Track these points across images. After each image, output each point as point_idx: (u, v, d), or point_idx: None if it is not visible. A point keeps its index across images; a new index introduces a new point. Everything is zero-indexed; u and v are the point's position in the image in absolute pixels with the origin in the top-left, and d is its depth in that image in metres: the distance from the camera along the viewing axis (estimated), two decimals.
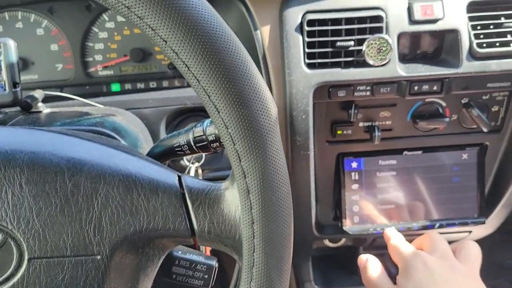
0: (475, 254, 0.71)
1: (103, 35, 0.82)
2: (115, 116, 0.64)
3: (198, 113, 0.78)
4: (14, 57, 0.58)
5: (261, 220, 0.38)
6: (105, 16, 0.82)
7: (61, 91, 0.82)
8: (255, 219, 0.38)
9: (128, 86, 0.83)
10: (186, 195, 0.41)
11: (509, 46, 0.71)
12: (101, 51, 0.83)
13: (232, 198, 0.41)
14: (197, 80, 0.34)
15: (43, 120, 0.59)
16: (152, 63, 0.84)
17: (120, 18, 0.82)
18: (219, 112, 0.35)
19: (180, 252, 0.51)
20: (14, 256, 0.38)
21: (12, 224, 0.38)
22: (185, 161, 0.77)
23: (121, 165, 0.41)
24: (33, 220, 0.38)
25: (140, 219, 0.40)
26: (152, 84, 0.83)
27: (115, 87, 0.83)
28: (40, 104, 0.63)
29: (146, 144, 0.68)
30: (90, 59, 0.83)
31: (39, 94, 0.62)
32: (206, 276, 0.50)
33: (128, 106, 0.74)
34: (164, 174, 0.42)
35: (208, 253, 0.71)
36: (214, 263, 0.51)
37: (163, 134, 0.77)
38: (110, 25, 0.82)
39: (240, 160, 0.37)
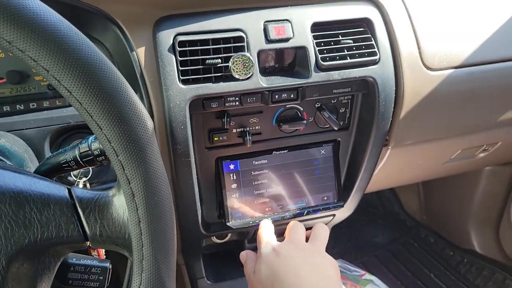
0: (320, 233, 0.86)
1: None
2: None
3: (81, 130, 0.81)
4: None
5: (146, 218, 0.45)
6: None
7: None
8: (141, 218, 0.45)
9: (6, 108, 0.83)
10: (77, 204, 0.47)
11: (346, 59, 0.86)
12: None
13: (120, 203, 0.47)
14: (79, 103, 0.40)
15: None
16: (30, 84, 0.84)
17: None
18: (101, 129, 0.42)
19: (74, 259, 0.55)
20: None
21: None
22: (72, 177, 0.80)
23: (10, 183, 0.45)
24: None
25: (34, 231, 0.45)
26: (32, 105, 0.84)
27: None
28: None
29: (32, 164, 0.70)
30: None
31: None
32: (102, 278, 0.55)
33: (8, 128, 0.75)
34: (53, 188, 0.47)
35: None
36: (107, 265, 0.56)
37: (48, 153, 0.78)
38: None
39: (124, 169, 0.44)
